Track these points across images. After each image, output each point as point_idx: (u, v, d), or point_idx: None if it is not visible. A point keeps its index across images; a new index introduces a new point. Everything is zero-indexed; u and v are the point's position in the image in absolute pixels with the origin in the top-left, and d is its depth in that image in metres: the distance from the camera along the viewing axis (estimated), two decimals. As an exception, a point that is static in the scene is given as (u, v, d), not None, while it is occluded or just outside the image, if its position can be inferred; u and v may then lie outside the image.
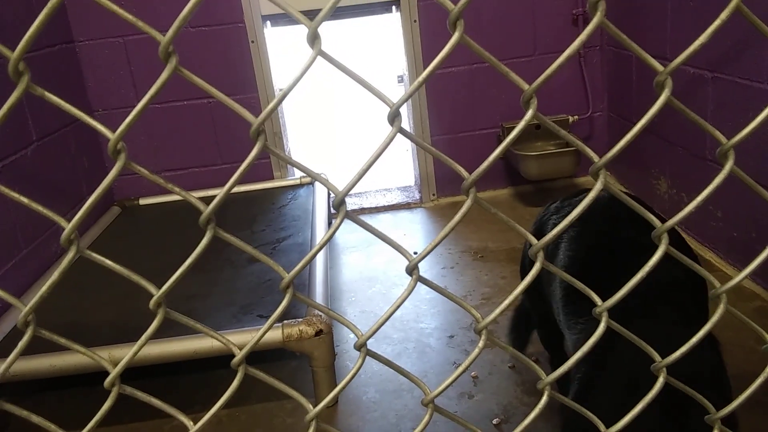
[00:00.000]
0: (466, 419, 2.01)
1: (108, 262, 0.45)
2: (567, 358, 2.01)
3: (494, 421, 2.00)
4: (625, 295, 0.53)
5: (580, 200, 1.69)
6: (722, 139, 0.48)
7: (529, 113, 0.43)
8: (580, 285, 0.52)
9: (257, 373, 0.50)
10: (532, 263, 1.84)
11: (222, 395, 0.57)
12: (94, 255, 0.45)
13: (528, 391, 2.12)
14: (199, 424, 0.50)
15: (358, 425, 2.06)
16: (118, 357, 1.95)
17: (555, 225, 1.65)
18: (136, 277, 0.46)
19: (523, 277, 1.96)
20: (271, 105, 0.43)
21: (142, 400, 0.51)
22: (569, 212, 1.65)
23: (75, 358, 2.00)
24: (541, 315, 1.85)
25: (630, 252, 1.40)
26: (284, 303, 0.47)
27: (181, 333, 2.02)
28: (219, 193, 0.45)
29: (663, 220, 0.92)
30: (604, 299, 0.55)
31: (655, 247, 0.50)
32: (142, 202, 3.46)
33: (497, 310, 0.56)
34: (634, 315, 1.19)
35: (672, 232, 1.52)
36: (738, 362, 1.32)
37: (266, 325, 0.48)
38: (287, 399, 2.22)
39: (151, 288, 0.48)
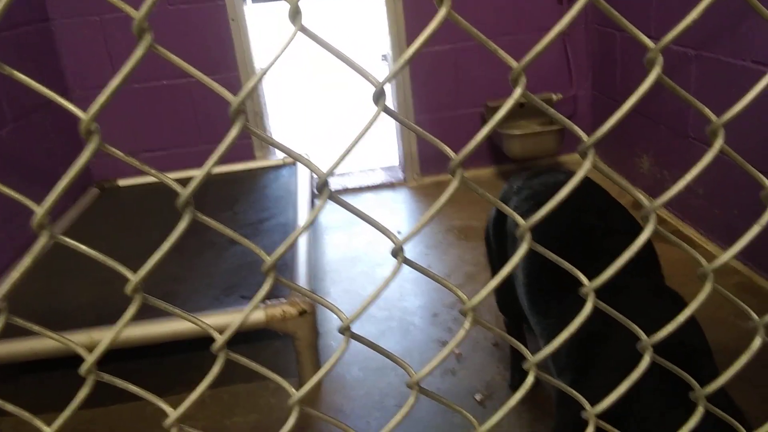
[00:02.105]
0: (449, 395, 2.03)
1: (82, 247, 0.44)
2: (524, 330, 1.99)
3: (477, 397, 2.02)
4: (599, 271, 0.53)
5: (542, 181, 1.69)
6: (712, 117, 0.47)
7: (518, 91, 0.42)
8: (567, 265, 0.51)
9: (239, 358, 0.49)
10: (498, 240, 1.83)
11: (206, 376, 0.56)
12: (68, 240, 0.43)
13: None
14: (179, 411, 0.49)
15: (342, 403, 2.07)
16: (98, 340, 1.93)
17: (517, 207, 1.64)
18: (111, 262, 0.45)
19: (489, 253, 1.97)
20: (250, 83, 0.41)
21: (120, 386, 0.50)
22: (529, 194, 1.65)
23: (54, 342, 1.98)
24: (505, 288, 1.85)
25: (596, 235, 1.41)
26: (266, 287, 0.46)
27: (162, 315, 2.00)
28: (198, 174, 0.44)
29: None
30: (572, 284, 0.55)
31: (619, 230, 0.50)
32: (122, 183, 3.40)
33: (483, 292, 0.55)
34: (611, 291, 1.20)
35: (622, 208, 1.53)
36: (719, 338, 1.34)
37: (246, 310, 0.47)
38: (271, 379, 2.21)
39: (127, 273, 0.46)
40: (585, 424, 0.61)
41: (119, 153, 0.40)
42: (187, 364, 2.29)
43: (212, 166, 0.40)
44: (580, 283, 0.54)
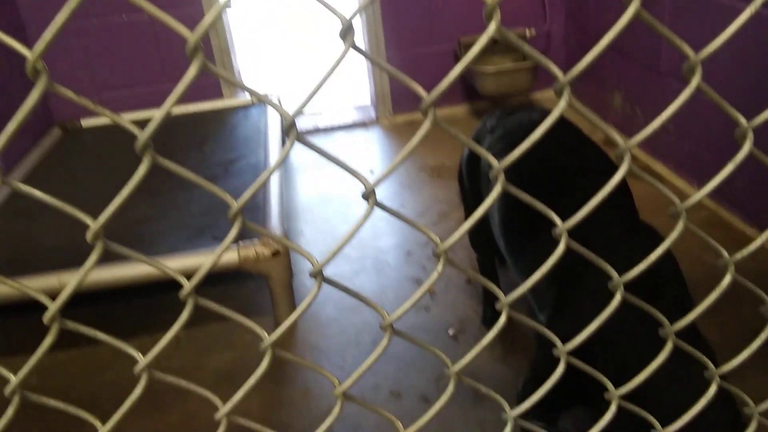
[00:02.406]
0: (423, 331, 2.07)
1: (38, 193, 0.42)
2: (497, 266, 2.01)
3: (450, 332, 2.06)
4: (572, 210, 0.52)
5: (515, 120, 1.67)
6: (690, 53, 0.46)
7: (492, 26, 0.40)
8: (540, 206, 0.51)
9: (208, 304, 0.48)
10: (471, 180, 1.82)
11: (176, 322, 0.55)
12: (22, 186, 0.41)
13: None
14: (148, 357, 0.48)
15: (318, 341, 2.10)
16: (67, 282, 1.91)
17: (490, 146, 1.63)
18: (69, 209, 0.43)
19: (462, 193, 1.97)
20: (208, 18, 0.38)
21: (86, 335, 0.48)
22: (502, 133, 1.63)
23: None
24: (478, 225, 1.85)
25: (570, 174, 1.41)
26: (233, 232, 0.44)
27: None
28: (157, 115, 0.41)
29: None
30: (547, 224, 0.54)
31: (592, 168, 0.50)
32: (84, 124, 3.29)
33: (455, 235, 0.54)
34: (585, 228, 1.21)
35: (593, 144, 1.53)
36: (684, 271, 1.37)
37: (213, 256, 0.45)
38: (248, 317, 2.22)
39: (87, 220, 0.44)
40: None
41: (70, 93, 0.37)
42: (161, 306, 2.29)
43: (170, 107, 0.38)
44: (553, 224, 0.54)
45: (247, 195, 0.42)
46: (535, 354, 1.33)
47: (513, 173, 1.49)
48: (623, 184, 1.46)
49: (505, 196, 1.50)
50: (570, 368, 0.59)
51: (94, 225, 0.43)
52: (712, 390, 0.64)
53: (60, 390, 1.96)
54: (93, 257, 0.45)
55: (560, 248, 0.52)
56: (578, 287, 1.18)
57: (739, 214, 2.43)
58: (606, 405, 0.65)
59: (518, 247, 1.43)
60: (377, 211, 2.44)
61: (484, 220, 1.71)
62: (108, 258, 2.02)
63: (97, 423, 0.54)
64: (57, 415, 0.49)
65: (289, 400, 1.86)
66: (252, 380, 0.55)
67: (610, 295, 0.56)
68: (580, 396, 1.07)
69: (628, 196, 1.45)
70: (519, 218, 1.45)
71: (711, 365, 0.59)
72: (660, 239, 1.38)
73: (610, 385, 0.64)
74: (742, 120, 0.51)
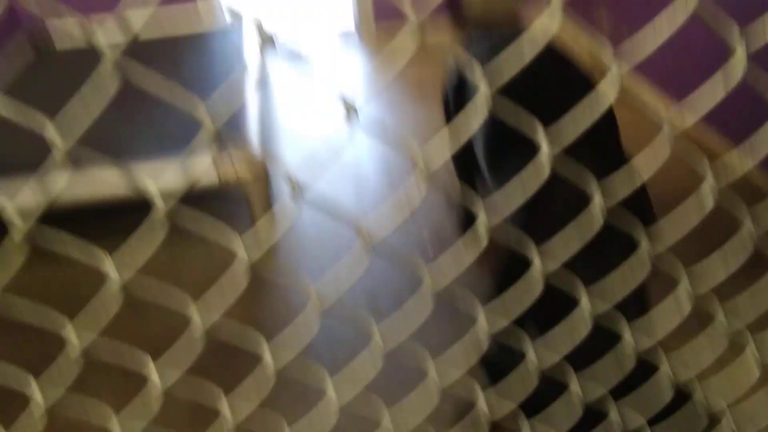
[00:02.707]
0: (402, 244, 2.09)
1: (5, 109, 0.39)
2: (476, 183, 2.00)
3: (428, 246, 2.08)
4: (557, 133, 0.51)
5: (502, 32, 1.63)
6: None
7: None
8: (527, 126, 0.50)
9: (184, 222, 0.47)
10: (457, 103, 1.77)
11: (152, 241, 0.55)
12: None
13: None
14: (125, 276, 0.48)
15: (298, 259, 2.11)
16: (39, 199, 1.87)
17: (475, 58, 1.59)
18: (38, 122, 0.41)
19: (447, 116, 1.94)
20: None
21: (59, 252, 0.48)
22: (488, 46, 1.59)
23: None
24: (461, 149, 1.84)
25: (555, 94, 1.38)
26: (210, 149, 0.43)
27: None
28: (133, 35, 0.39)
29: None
30: (531, 146, 0.53)
31: (578, 83, 0.48)
32: (59, 47, 3.16)
33: (439, 153, 0.53)
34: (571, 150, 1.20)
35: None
36: (654, 186, 1.38)
37: (191, 173, 0.44)
38: (227, 225, 2.22)
39: (56, 139, 0.42)
40: (526, 265, 0.63)
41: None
42: (141, 222, 2.27)
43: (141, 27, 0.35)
44: (537, 146, 0.53)
45: (223, 116, 0.40)
46: (502, 258, 1.35)
47: (499, 95, 1.47)
48: (609, 112, 1.45)
49: (490, 119, 1.48)
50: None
51: (62, 145, 0.41)
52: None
53: (40, 296, 1.97)
54: (63, 177, 0.43)
55: (544, 152, 0.51)
56: (549, 202, 1.18)
57: (717, 132, 2.43)
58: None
59: (500, 167, 1.42)
60: (359, 132, 2.42)
61: (468, 144, 1.69)
62: (84, 173, 1.96)
63: (73, 338, 0.54)
64: (34, 332, 0.49)
65: (269, 312, 1.89)
66: (229, 298, 0.55)
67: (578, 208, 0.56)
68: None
69: (612, 125, 1.44)
70: (503, 140, 1.44)
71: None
72: (630, 171, 1.39)
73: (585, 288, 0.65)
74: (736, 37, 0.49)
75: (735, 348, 0.88)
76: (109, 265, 0.49)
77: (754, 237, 0.65)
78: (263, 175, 2.02)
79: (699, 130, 2.53)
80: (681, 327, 1.33)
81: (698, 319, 1.48)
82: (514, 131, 1.41)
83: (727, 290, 1.71)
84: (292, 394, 1.62)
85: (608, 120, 1.46)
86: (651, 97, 2.83)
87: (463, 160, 1.91)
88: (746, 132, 2.30)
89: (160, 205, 0.44)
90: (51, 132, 0.42)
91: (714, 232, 2.03)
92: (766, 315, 0.74)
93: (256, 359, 0.59)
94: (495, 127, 1.47)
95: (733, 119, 2.35)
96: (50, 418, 0.60)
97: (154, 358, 1.71)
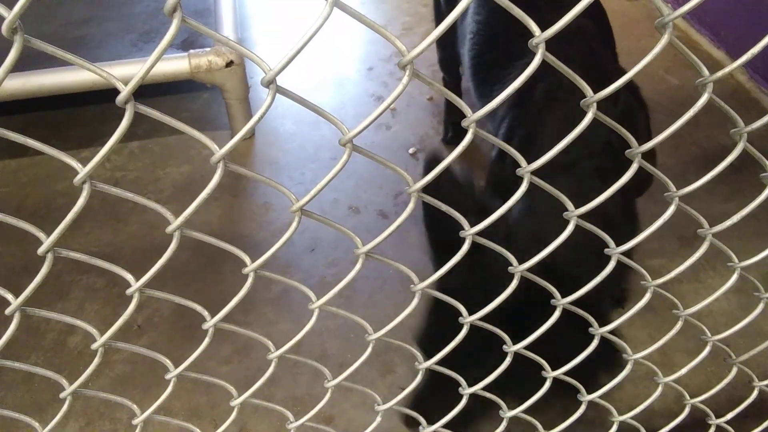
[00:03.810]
0: (383, 149, 2.05)
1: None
2: (461, 89, 1.96)
3: (410, 151, 2.05)
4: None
5: None
6: None
7: None
8: (518, 12, 0.46)
9: (149, 111, 0.43)
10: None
11: (135, 128, 0.52)
12: None
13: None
14: (87, 168, 0.45)
15: (276, 156, 2.07)
16: (4, 87, 1.79)
17: None
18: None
19: (436, 6, 1.86)
20: None
21: (17, 141, 0.44)
22: None
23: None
24: (448, 46, 1.78)
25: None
26: (171, 31, 0.39)
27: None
28: None
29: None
30: (520, 53, 0.50)
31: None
32: None
33: (423, 43, 0.49)
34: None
35: None
36: (647, 92, 1.35)
37: (152, 57, 0.40)
38: (203, 130, 2.16)
39: (2, 10, 0.38)
40: (515, 179, 0.61)
41: None
42: (112, 115, 2.19)
43: None
44: (527, 51, 0.49)
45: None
46: (489, 172, 1.34)
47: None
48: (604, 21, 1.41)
49: (482, 20, 1.41)
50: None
51: (9, 16, 0.37)
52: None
53: (12, 199, 1.93)
54: (13, 53, 0.39)
55: (536, 60, 0.48)
56: (544, 109, 1.15)
57: (709, 36, 2.37)
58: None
59: (487, 75, 1.37)
60: (338, 24, 2.30)
61: (454, 38, 1.62)
62: (47, 63, 1.87)
63: (41, 235, 0.51)
64: (10, 226, 0.47)
65: (249, 213, 1.88)
66: (204, 194, 0.52)
67: (575, 117, 0.54)
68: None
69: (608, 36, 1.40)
70: (493, 45, 1.38)
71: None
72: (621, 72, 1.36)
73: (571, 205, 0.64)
74: None
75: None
76: (68, 157, 0.46)
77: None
78: (237, 63, 1.93)
79: (687, 26, 2.47)
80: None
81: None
82: (504, 35, 1.35)
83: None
84: (273, 297, 1.64)
85: (603, 28, 1.41)
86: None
87: (451, 56, 1.85)
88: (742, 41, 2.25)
89: (121, 88, 0.41)
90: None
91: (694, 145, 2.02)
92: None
93: (236, 263, 0.58)
94: (487, 28, 1.41)
95: (720, 17, 2.28)
96: (23, 317, 0.58)
97: (133, 260, 1.70)
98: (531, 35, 0.48)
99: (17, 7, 0.38)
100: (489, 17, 1.41)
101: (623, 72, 0.53)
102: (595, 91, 0.54)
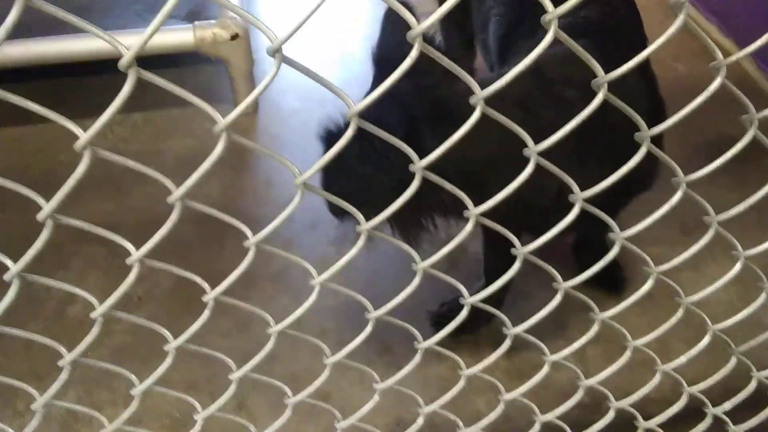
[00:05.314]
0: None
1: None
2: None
3: (414, 132, 2.04)
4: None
5: None
6: None
7: None
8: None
9: (152, 77, 0.43)
10: None
11: (138, 100, 0.51)
12: None
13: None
14: (89, 133, 0.44)
15: (279, 132, 2.06)
16: (7, 54, 1.77)
17: None
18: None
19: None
20: None
21: (18, 104, 0.43)
22: None
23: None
24: (453, 29, 1.76)
25: None
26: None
27: (79, 32, 1.83)
28: None
29: None
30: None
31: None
32: None
33: (432, 18, 0.49)
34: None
35: None
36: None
37: (158, 18, 0.39)
38: (208, 103, 2.14)
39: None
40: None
41: None
42: (114, 85, 2.17)
43: None
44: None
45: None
46: None
47: None
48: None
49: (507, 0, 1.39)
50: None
51: (8, -28, 0.36)
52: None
53: (15, 168, 1.92)
54: (13, 13, 0.38)
55: (548, 37, 0.47)
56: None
57: (718, 24, 2.35)
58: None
59: (515, 50, 1.35)
60: (344, 1, 2.26)
61: (464, 24, 1.61)
62: (49, 31, 1.85)
63: (40, 200, 0.51)
64: (12, 192, 0.47)
65: (250, 188, 1.87)
66: (206, 164, 0.52)
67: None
68: None
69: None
70: (518, 22, 1.36)
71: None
72: (642, 46, 1.33)
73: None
74: None
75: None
76: (68, 122, 0.45)
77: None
78: (242, 37, 1.91)
79: (696, 14, 2.45)
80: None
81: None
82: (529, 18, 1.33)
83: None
84: (273, 273, 1.64)
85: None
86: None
87: (456, 46, 1.82)
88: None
89: (124, 52, 0.40)
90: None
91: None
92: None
93: (237, 237, 0.58)
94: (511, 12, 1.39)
95: (728, 6, 2.26)
96: (23, 284, 0.58)
97: (135, 232, 1.69)
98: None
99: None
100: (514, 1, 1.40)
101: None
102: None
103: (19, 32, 0.39)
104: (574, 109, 0.56)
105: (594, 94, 0.52)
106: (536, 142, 0.57)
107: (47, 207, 0.51)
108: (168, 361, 0.73)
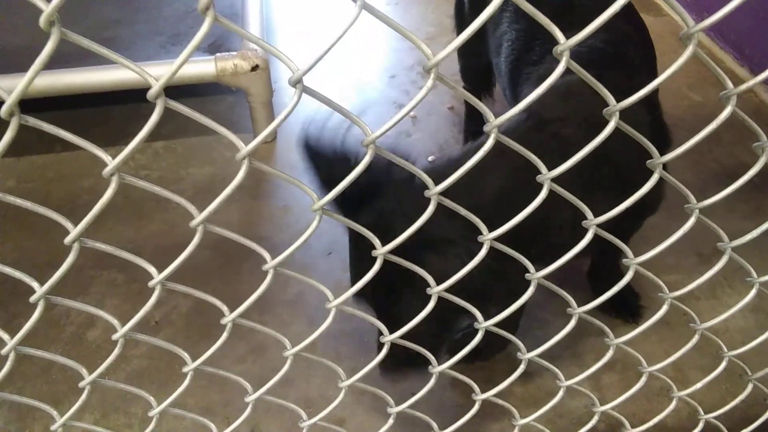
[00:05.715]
0: (403, 156, 2.06)
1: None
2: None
3: (429, 159, 2.06)
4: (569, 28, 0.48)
5: None
6: None
7: None
8: (544, 20, 0.47)
9: (177, 106, 0.45)
10: (474, 6, 1.71)
11: (160, 128, 0.53)
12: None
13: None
14: (117, 160, 0.46)
15: (297, 160, 2.08)
16: (35, 84, 1.82)
17: None
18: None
19: (458, 14, 1.87)
20: None
21: (48, 131, 0.46)
22: None
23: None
24: (471, 55, 1.80)
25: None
26: (204, 28, 0.40)
27: (106, 62, 1.88)
28: None
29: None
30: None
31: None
32: None
33: (448, 49, 0.50)
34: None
35: None
36: (668, 108, 1.35)
37: (186, 52, 0.41)
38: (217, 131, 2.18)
39: (40, 3, 0.39)
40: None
41: None
42: (137, 115, 2.23)
43: None
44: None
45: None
46: None
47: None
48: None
49: (519, 27, 1.42)
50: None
51: (47, 8, 0.39)
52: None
53: (37, 194, 1.96)
54: (49, 45, 0.40)
55: (560, 67, 0.49)
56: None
57: (733, 53, 2.36)
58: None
59: (521, 76, 1.37)
60: (361, 32, 2.31)
61: (479, 47, 1.64)
62: (79, 61, 1.89)
63: (68, 224, 0.53)
64: (36, 218, 0.49)
65: (268, 215, 1.90)
66: (228, 189, 0.54)
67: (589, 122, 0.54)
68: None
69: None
70: (529, 48, 1.38)
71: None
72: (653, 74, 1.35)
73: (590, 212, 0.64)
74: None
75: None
76: (98, 149, 0.47)
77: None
78: (262, 68, 1.96)
79: (711, 43, 2.46)
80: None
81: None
82: (539, 40, 1.35)
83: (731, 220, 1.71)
84: (289, 299, 1.65)
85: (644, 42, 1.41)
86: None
87: (475, 66, 1.85)
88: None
89: (153, 83, 0.42)
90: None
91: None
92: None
93: (255, 263, 0.59)
94: (522, 33, 1.41)
95: (745, 35, 2.27)
96: (46, 308, 0.59)
97: (155, 257, 1.72)
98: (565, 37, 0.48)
99: (56, 0, 0.40)
100: (527, 26, 1.42)
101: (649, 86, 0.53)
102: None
103: (47, 63, 0.42)
104: (573, 147, 0.58)
105: (591, 130, 0.54)
106: (538, 184, 0.59)
107: (74, 231, 0.53)
108: (186, 383, 0.74)
